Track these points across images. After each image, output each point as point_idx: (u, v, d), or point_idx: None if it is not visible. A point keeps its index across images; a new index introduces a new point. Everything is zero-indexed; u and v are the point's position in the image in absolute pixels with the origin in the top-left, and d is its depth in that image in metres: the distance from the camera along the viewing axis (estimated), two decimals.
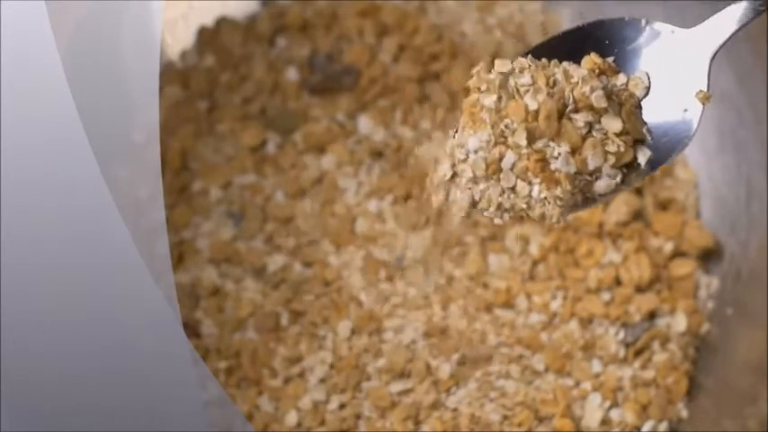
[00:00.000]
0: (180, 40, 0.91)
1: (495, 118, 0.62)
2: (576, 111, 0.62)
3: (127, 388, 0.67)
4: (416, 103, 0.87)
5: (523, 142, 0.62)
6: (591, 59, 0.64)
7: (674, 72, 0.65)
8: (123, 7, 0.71)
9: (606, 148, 0.62)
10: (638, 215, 0.84)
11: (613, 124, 0.63)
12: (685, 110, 0.64)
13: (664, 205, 0.85)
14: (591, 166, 0.62)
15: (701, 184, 0.86)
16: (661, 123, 0.64)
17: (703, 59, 0.64)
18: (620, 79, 0.65)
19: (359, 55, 0.88)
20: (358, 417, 0.79)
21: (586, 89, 0.62)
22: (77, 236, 0.65)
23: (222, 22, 0.91)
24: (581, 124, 0.62)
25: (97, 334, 0.66)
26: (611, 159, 0.62)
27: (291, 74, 0.89)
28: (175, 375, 0.67)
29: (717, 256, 0.84)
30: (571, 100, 0.62)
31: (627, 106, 0.64)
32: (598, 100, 0.62)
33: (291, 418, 0.79)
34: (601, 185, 0.63)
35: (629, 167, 0.63)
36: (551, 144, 0.62)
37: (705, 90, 0.64)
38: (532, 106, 0.62)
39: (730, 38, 0.64)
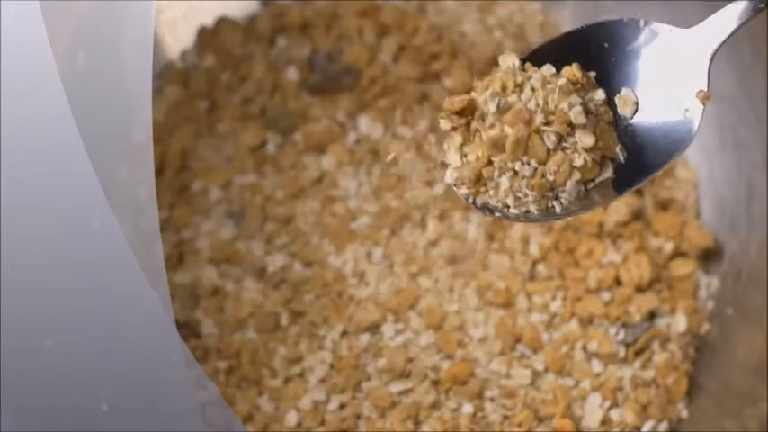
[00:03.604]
0: (180, 40, 0.91)
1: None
2: (548, 123, 0.62)
3: (125, 388, 0.67)
4: (416, 103, 0.87)
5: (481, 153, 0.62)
6: (571, 71, 0.64)
7: (673, 72, 0.65)
8: (123, 7, 0.71)
9: (573, 163, 0.62)
10: (638, 215, 0.84)
11: (586, 139, 0.62)
12: (686, 110, 0.64)
13: (664, 205, 0.85)
14: (554, 182, 0.62)
15: (701, 184, 0.86)
16: (662, 124, 0.64)
17: (703, 59, 0.64)
18: (599, 95, 0.64)
19: (359, 55, 0.88)
20: (358, 417, 0.79)
21: (565, 105, 0.62)
22: (76, 236, 0.65)
23: (222, 22, 0.91)
24: (553, 138, 0.62)
25: (96, 334, 0.66)
26: (577, 175, 0.62)
27: (291, 74, 0.89)
28: (173, 376, 0.67)
29: (717, 256, 0.84)
30: (541, 109, 0.62)
31: (601, 123, 0.63)
32: (577, 116, 0.62)
33: (291, 419, 0.79)
34: (561, 200, 0.63)
35: (593, 183, 0.64)
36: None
37: (705, 90, 0.64)
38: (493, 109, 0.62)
39: (730, 37, 0.64)
